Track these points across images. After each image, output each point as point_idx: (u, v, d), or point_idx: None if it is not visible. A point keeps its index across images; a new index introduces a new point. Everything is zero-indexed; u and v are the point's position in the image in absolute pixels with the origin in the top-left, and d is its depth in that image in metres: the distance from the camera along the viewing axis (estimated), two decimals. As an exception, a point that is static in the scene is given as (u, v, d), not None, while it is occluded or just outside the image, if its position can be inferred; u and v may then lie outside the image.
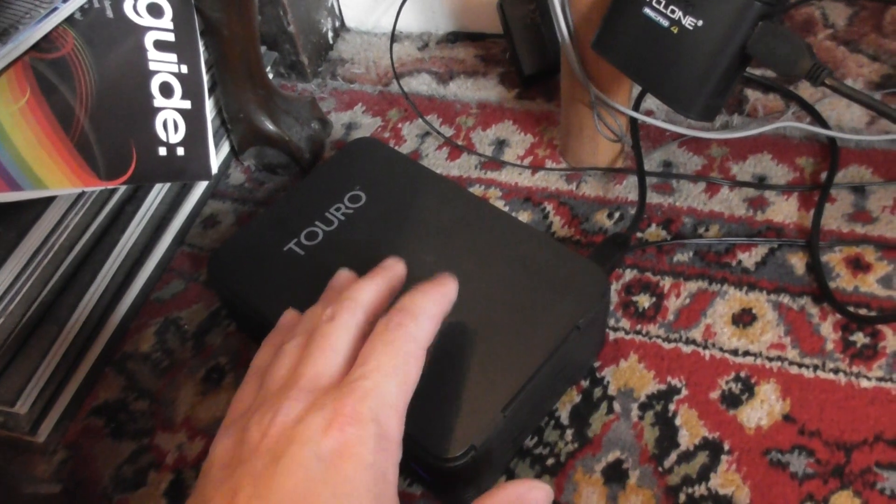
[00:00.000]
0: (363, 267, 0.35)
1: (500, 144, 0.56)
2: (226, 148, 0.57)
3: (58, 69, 0.40)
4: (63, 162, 0.41)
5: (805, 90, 0.55)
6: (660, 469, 0.39)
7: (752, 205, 0.49)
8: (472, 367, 0.36)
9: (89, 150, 0.42)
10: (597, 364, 0.43)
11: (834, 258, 0.46)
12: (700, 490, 0.38)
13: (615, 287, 0.46)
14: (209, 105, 0.50)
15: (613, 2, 0.42)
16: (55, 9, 0.40)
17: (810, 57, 0.38)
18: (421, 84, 0.62)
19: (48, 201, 0.42)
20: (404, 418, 0.28)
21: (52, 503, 0.41)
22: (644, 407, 0.41)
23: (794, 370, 0.41)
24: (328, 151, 0.58)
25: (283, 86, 0.65)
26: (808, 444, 0.39)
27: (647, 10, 0.40)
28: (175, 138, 0.47)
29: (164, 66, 0.45)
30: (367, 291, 0.32)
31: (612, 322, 0.45)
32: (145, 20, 0.44)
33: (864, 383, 0.40)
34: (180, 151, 0.47)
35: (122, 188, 0.47)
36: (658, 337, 0.44)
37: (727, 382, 0.41)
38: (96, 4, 0.42)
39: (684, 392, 0.41)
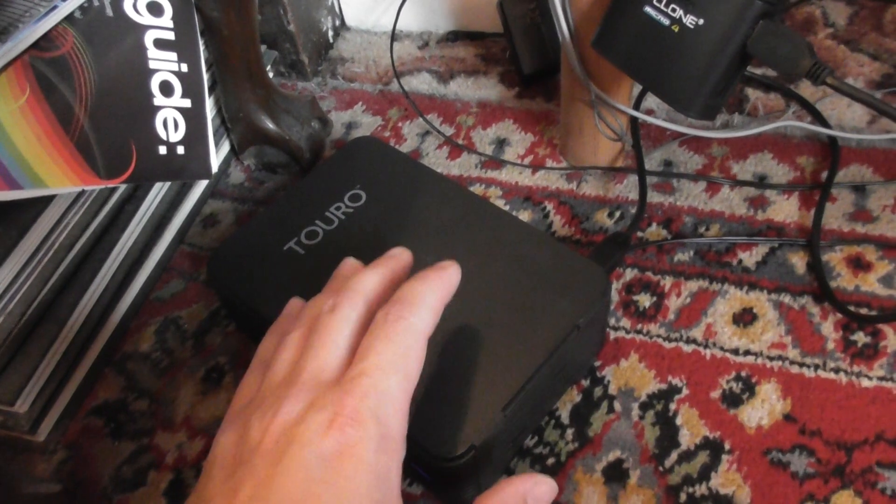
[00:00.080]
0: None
1: (501, 143, 0.56)
2: (226, 147, 0.57)
3: (57, 68, 0.40)
4: (63, 160, 0.41)
5: (806, 89, 0.55)
6: (660, 469, 0.39)
7: (753, 204, 0.49)
8: (472, 367, 0.36)
9: (89, 148, 0.42)
10: (597, 363, 0.43)
11: (834, 257, 0.46)
12: (701, 490, 0.38)
13: (616, 286, 0.46)
14: (209, 104, 0.50)
15: (614, 0, 0.41)
16: (55, 7, 0.40)
17: (811, 56, 0.38)
18: (421, 83, 0.62)
19: (48, 200, 0.42)
20: (407, 414, 0.28)
21: (51, 503, 0.41)
22: (645, 406, 0.41)
23: (795, 370, 0.41)
24: (328, 151, 0.58)
25: (283, 85, 0.65)
26: (809, 444, 0.39)
27: (648, 9, 0.40)
28: (175, 137, 0.47)
29: (164, 65, 0.45)
30: (370, 281, 0.31)
31: (612, 321, 0.45)
32: (145, 19, 0.44)
33: (865, 383, 0.40)
34: (180, 150, 0.47)
35: (122, 187, 0.47)
36: (659, 336, 0.44)
37: (728, 382, 0.41)
38: (96, 3, 0.42)
39: (685, 391, 0.41)
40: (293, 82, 0.65)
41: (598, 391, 0.42)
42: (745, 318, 0.44)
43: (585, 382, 0.42)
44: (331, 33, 0.67)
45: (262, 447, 0.26)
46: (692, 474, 0.38)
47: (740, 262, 0.46)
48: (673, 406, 0.41)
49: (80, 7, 0.41)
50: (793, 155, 0.52)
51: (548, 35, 0.57)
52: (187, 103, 0.47)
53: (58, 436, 0.44)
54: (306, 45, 0.63)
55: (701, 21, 0.38)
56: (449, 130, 0.58)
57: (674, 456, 0.39)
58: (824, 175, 0.50)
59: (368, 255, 0.34)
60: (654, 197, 0.51)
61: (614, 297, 0.46)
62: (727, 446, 0.39)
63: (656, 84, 0.41)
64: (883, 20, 0.59)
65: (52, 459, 0.43)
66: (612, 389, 0.42)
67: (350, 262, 0.35)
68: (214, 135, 0.51)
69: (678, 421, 0.40)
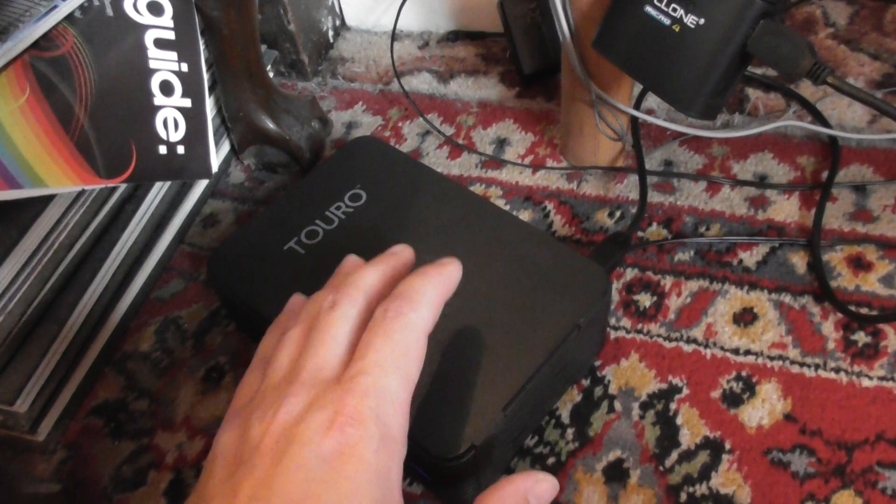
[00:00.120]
0: (364, 266, 0.34)
1: (501, 143, 0.56)
2: (226, 147, 0.57)
3: (57, 67, 0.40)
4: (63, 160, 0.41)
5: (806, 89, 0.55)
6: (661, 468, 0.39)
7: (754, 204, 0.49)
8: (472, 367, 0.36)
9: (89, 148, 0.42)
10: (598, 363, 0.43)
11: (835, 257, 0.46)
12: (701, 489, 0.38)
13: (616, 286, 0.46)
14: (209, 104, 0.50)
15: (614, 0, 0.41)
16: (55, 7, 0.40)
17: (811, 55, 0.38)
18: (421, 83, 0.62)
19: (48, 200, 0.42)
20: (408, 413, 0.28)
21: (51, 503, 0.41)
22: (645, 406, 0.41)
23: (796, 369, 0.41)
24: (328, 150, 0.58)
25: (283, 84, 0.65)
26: (810, 444, 0.39)
27: (649, 9, 0.40)
28: (175, 137, 0.47)
29: (164, 65, 0.45)
30: (370, 277, 0.31)
31: (612, 321, 0.45)
32: (145, 18, 0.44)
33: (866, 382, 0.40)
34: (180, 150, 0.47)
35: (122, 187, 0.47)
36: (659, 336, 0.44)
37: (728, 381, 0.41)
38: (96, 2, 0.42)
39: (685, 391, 0.41)
40: (293, 82, 0.65)
41: (598, 391, 0.42)
42: (745, 317, 0.44)
43: (586, 382, 0.42)
44: (331, 33, 0.67)
45: (263, 447, 0.26)
46: (692, 474, 0.38)
47: (741, 261, 0.46)
48: (673, 406, 0.41)
49: (81, 6, 0.41)
50: (793, 155, 0.52)
51: (548, 35, 0.57)
52: (187, 103, 0.47)
53: (58, 435, 0.44)
54: (306, 44, 0.63)
55: (701, 20, 0.38)
56: (449, 130, 0.58)
57: (674, 456, 0.39)
58: (825, 175, 0.50)
59: (369, 255, 0.34)
60: (654, 197, 0.51)
61: (615, 296, 0.46)
62: (727, 446, 0.39)
63: (657, 84, 0.41)
64: (883, 20, 0.59)
65: (51, 459, 0.43)
66: (613, 389, 0.42)
67: (352, 259, 0.35)
68: (214, 134, 0.51)
69: (678, 421, 0.40)
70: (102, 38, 0.42)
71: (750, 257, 0.46)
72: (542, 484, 0.28)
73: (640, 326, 0.44)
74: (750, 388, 0.41)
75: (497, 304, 0.38)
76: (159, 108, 0.45)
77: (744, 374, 0.42)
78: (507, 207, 0.52)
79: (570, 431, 0.41)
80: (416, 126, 0.59)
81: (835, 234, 0.47)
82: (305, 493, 0.24)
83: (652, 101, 0.57)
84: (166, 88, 0.46)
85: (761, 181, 0.50)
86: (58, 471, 0.42)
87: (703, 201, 0.50)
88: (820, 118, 0.53)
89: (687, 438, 0.40)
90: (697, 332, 0.44)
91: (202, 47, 0.48)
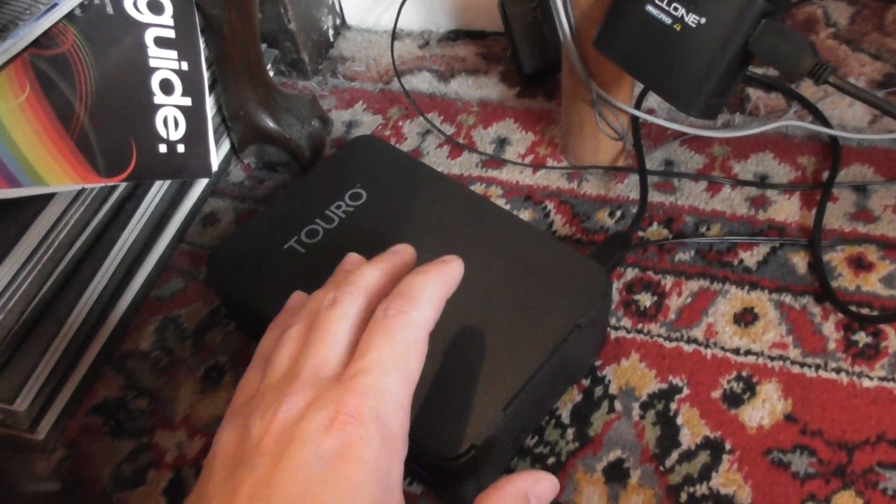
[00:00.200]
0: (364, 265, 0.34)
1: (501, 143, 0.56)
2: (226, 145, 0.57)
3: (58, 66, 0.40)
4: (63, 158, 0.41)
5: (807, 89, 0.55)
6: (661, 468, 0.39)
7: (754, 204, 0.49)
8: (472, 366, 0.36)
9: (89, 146, 0.42)
10: (598, 363, 0.43)
11: (836, 257, 0.46)
12: (701, 489, 0.38)
13: (616, 286, 0.46)
14: (209, 102, 0.50)
15: (615, -1, 0.41)
16: (55, 5, 0.40)
17: (813, 55, 0.38)
18: (422, 82, 0.62)
19: (48, 198, 0.42)
20: (409, 412, 0.28)
21: (51, 501, 0.41)
22: (645, 406, 0.41)
23: (796, 370, 0.41)
24: (329, 149, 0.58)
25: (283, 83, 0.65)
26: (810, 444, 0.38)
27: (650, 8, 0.40)
28: (175, 135, 0.47)
29: (164, 63, 0.45)
30: (371, 276, 0.31)
31: (613, 321, 0.45)
32: (145, 16, 0.44)
33: (867, 383, 0.40)
34: (180, 149, 0.47)
35: (122, 185, 0.47)
36: (659, 336, 0.44)
37: (729, 382, 0.41)
38: (96, 1, 0.42)
39: (686, 391, 0.41)
40: (293, 81, 0.65)
41: (598, 391, 0.42)
42: (746, 317, 0.44)
43: (586, 382, 0.42)
44: (331, 32, 0.67)
45: (263, 446, 0.26)
46: (693, 474, 0.38)
47: (741, 261, 0.46)
48: (674, 406, 0.41)
49: (81, 5, 0.41)
50: (794, 154, 0.52)
51: (549, 34, 0.57)
52: (187, 101, 0.47)
53: (57, 434, 0.44)
54: (307, 43, 0.63)
55: (703, 20, 0.38)
56: (449, 129, 0.58)
57: (674, 456, 0.39)
58: (825, 175, 0.50)
59: (369, 254, 0.34)
60: (654, 196, 0.51)
61: (615, 296, 0.46)
62: (728, 446, 0.39)
63: (658, 83, 0.41)
64: (884, 20, 0.59)
65: (51, 458, 0.43)
66: (613, 389, 0.42)
67: (353, 258, 0.35)
68: (214, 133, 0.50)
69: (679, 421, 0.40)
70: (102, 36, 0.42)
71: (750, 257, 0.46)
72: (543, 483, 0.28)
73: (640, 326, 0.44)
74: (750, 389, 0.41)
75: (497, 304, 0.38)
76: (159, 106, 0.45)
77: (744, 374, 0.41)
78: (508, 207, 0.52)
79: (570, 431, 0.41)
80: (417, 125, 0.59)
81: (835, 234, 0.47)
82: (305, 492, 0.24)
83: (653, 100, 0.57)
84: (166, 87, 0.46)
85: (762, 181, 0.50)
86: (57, 469, 0.42)
87: (704, 201, 0.50)
88: (821, 118, 0.53)
89: (687, 438, 0.39)
90: (698, 332, 0.43)
91: (202, 46, 0.48)
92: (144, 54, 0.44)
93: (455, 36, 0.66)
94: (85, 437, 0.44)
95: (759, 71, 0.57)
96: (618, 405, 0.41)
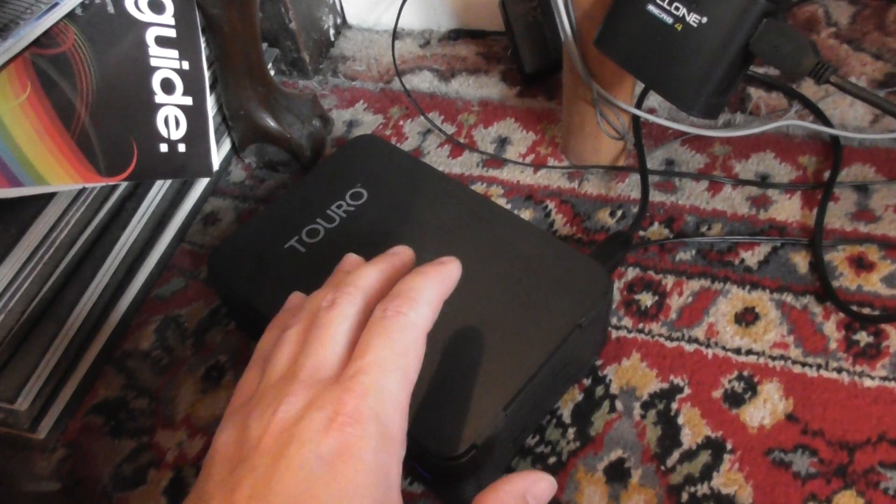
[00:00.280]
0: (364, 264, 0.34)
1: (502, 142, 0.56)
2: (227, 145, 0.57)
3: (58, 65, 0.40)
4: (64, 158, 0.41)
5: (808, 88, 0.55)
6: (662, 468, 0.39)
7: (755, 203, 0.49)
8: (473, 366, 0.36)
9: (90, 146, 0.42)
10: (599, 362, 0.43)
11: (837, 257, 0.46)
12: (702, 489, 0.38)
13: (617, 285, 0.46)
14: (210, 102, 0.50)
15: (616, -1, 0.41)
16: (56, 4, 0.40)
17: (814, 55, 0.38)
18: (422, 81, 0.62)
19: (49, 197, 0.42)
20: (407, 412, 0.28)
21: (51, 501, 0.41)
22: (646, 406, 0.41)
23: (797, 369, 0.41)
24: (329, 149, 0.58)
25: (284, 83, 0.64)
26: (811, 444, 0.38)
27: (651, 7, 0.40)
28: (176, 135, 0.47)
29: (165, 63, 0.45)
30: (369, 277, 0.31)
31: (614, 320, 0.45)
32: (146, 16, 0.44)
33: (868, 382, 0.40)
34: (181, 148, 0.47)
35: (123, 185, 0.47)
36: (660, 335, 0.44)
37: (730, 381, 0.41)
38: (97, 0, 0.42)
39: (687, 391, 0.41)
40: (294, 80, 0.65)
41: (599, 390, 0.42)
42: (747, 317, 0.44)
43: (587, 381, 0.42)
44: (332, 31, 0.67)
45: (262, 445, 0.26)
46: (694, 474, 0.38)
47: (742, 261, 0.46)
48: (675, 405, 0.41)
49: (82, 4, 0.41)
50: (795, 154, 0.52)
51: (549, 33, 0.57)
52: (188, 101, 0.47)
53: (58, 434, 0.44)
54: (307, 43, 0.63)
55: (704, 19, 0.38)
56: (450, 129, 0.58)
57: (675, 455, 0.39)
58: (826, 174, 0.50)
59: (370, 254, 0.34)
60: (655, 196, 0.51)
61: (616, 296, 0.46)
62: (729, 446, 0.39)
63: (659, 82, 0.41)
64: (886, 19, 0.59)
65: (52, 457, 0.43)
66: (614, 389, 0.42)
67: (352, 258, 0.35)
68: (215, 133, 0.50)
69: (680, 420, 0.40)
70: (103, 35, 0.42)
71: (751, 257, 0.46)
72: (541, 483, 0.28)
73: (641, 326, 0.44)
74: (751, 388, 0.41)
75: (498, 304, 0.38)
76: (160, 105, 0.45)
77: (745, 373, 0.41)
78: (509, 206, 0.52)
79: (571, 431, 0.41)
80: (417, 125, 0.59)
81: (837, 233, 0.47)
82: (305, 492, 0.24)
83: (653, 99, 0.57)
84: (167, 86, 0.46)
85: (763, 181, 0.50)
86: (58, 469, 0.42)
87: (705, 201, 0.50)
88: (822, 118, 0.53)
89: (688, 438, 0.39)
90: (699, 332, 0.43)
91: (203, 45, 0.48)
92: (145, 53, 0.44)
93: (456, 35, 0.66)
94: (85, 437, 0.44)
95: (761, 70, 0.57)
96: (619, 405, 0.41)
